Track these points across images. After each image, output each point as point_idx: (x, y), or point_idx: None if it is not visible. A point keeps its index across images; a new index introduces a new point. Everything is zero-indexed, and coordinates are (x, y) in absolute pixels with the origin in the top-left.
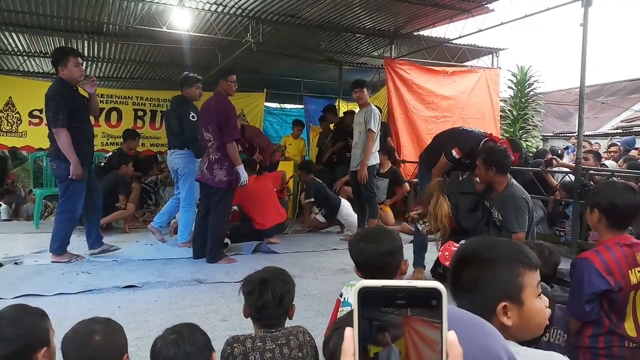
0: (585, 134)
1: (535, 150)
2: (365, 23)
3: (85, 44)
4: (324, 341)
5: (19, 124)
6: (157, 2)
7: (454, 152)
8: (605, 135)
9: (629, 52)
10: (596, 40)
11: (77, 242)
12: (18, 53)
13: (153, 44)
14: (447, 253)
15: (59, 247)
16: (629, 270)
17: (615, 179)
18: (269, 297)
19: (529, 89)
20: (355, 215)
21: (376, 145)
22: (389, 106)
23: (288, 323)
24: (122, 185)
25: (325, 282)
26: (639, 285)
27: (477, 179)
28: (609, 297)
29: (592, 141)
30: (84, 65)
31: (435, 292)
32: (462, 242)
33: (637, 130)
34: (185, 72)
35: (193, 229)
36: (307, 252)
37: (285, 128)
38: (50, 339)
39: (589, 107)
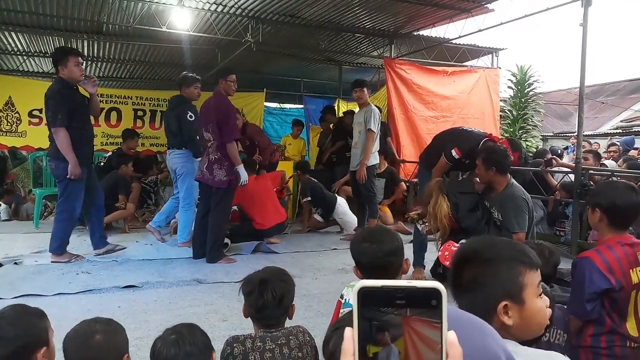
0: (585, 133)
1: (535, 150)
2: (365, 23)
3: (85, 44)
4: (323, 341)
5: (19, 124)
6: (156, 2)
7: (453, 152)
8: (605, 135)
9: (628, 52)
10: (596, 40)
11: (77, 242)
12: (18, 53)
13: (153, 44)
14: (447, 253)
15: (59, 247)
16: (630, 270)
17: (614, 178)
18: (269, 297)
19: (528, 89)
20: (352, 215)
21: (376, 145)
22: (389, 106)
23: (288, 323)
24: (121, 185)
25: (325, 282)
26: None
27: (477, 178)
28: (610, 296)
29: (592, 141)
30: (84, 65)
31: (435, 292)
32: (462, 242)
33: (636, 130)
34: (184, 72)
35: (193, 229)
36: (306, 252)
37: (285, 128)
38: (50, 339)
39: (588, 107)
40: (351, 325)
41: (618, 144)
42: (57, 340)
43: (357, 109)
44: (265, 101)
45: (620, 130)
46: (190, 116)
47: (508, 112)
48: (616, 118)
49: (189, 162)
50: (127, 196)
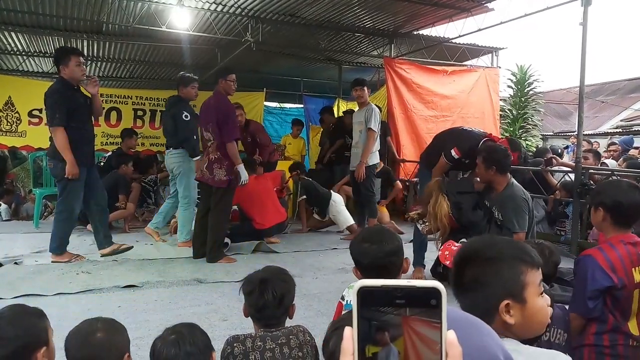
0: (584, 133)
1: (535, 149)
2: (365, 22)
3: (85, 44)
4: (323, 341)
5: (19, 124)
6: (156, 2)
7: (453, 152)
8: (605, 134)
9: (628, 51)
10: (596, 40)
11: (77, 242)
12: (17, 52)
13: (152, 44)
14: (447, 252)
15: (58, 247)
16: (633, 269)
17: (614, 178)
18: (269, 297)
19: (528, 88)
20: (346, 213)
21: (376, 145)
22: (389, 105)
23: (288, 322)
24: (121, 184)
25: (325, 282)
26: None
27: (477, 178)
28: (612, 294)
29: (592, 140)
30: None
31: (435, 292)
32: (462, 241)
33: (636, 129)
34: (182, 72)
35: (193, 228)
36: (307, 251)
37: (285, 127)
38: (50, 339)
39: (588, 106)
40: (351, 325)
41: (618, 143)
42: (58, 340)
43: (356, 109)
44: (265, 101)
45: (620, 130)
46: (186, 116)
47: (508, 112)
48: (616, 117)
49: (186, 162)
50: (127, 196)
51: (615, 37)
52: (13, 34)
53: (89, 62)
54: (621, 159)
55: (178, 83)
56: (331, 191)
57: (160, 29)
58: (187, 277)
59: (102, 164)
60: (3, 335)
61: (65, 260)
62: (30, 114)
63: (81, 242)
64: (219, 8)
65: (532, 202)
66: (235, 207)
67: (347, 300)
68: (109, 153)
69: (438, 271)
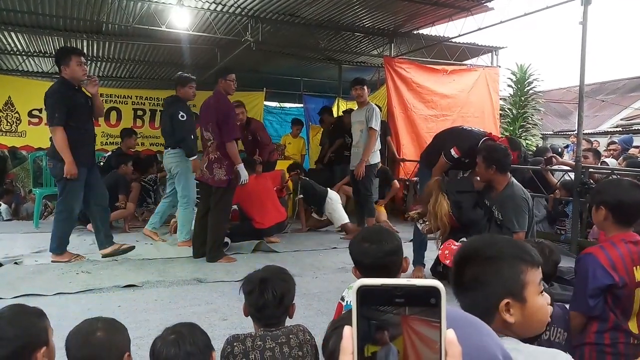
0: (584, 132)
1: (535, 148)
2: (365, 22)
3: (85, 43)
4: (323, 340)
5: (19, 124)
6: (156, 2)
7: (452, 152)
8: (605, 133)
9: (628, 50)
10: (596, 39)
11: (77, 242)
12: (17, 52)
13: (152, 43)
14: (447, 252)
15: (58, 247)
16: (634, 267)
17: (614, 177)
18: (269, 297)
19: (528, 88)
20: (341, 211)
21: (377, 144)
22: (389, 105)
23: (288, 322)
24: (121, 184)
25: (325, 281)
26: None
27: (477, 177)
28: (613, 292)
29: (592, 139)
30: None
31: (435, 291)
32: (462, 240)
33: (636, 128)
34: (179, 72)
35: (193, 228)
36: (307, 251)
37: (284, 127)
38: (50, 338)
39: (588, 105)
40: (350, 324)
41: (617, 142)
42: (58, 340)
43: (356, 108)
44: (265, 100)
45: (620, 129)
46: (182, 116)
47: (508, 111)
48: (616, 116)
49: (184, 161)
50: (126, 196)
51: (615, 36)
52: (13, 34)
53: (89, 62)
54: (621, 158)
55: (176, 83)
56: (327, 189)
57: (160, 28)
58: (187, 277)
59: (101, 163)
60: (3, 335)
61: (65, 260)
62: (30, 114)
63: (81, 242)
64: (219, 8)
65: (532, 202)
66: (235, 206)
67: (347, 301)
68: (109, 153)
69: (438, 270)
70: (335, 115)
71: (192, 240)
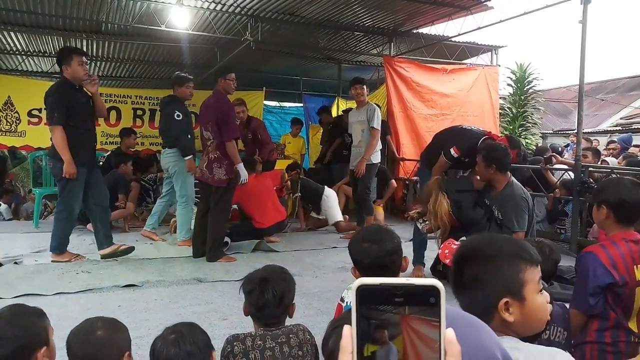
0: (584, 131)
1: (534, 147)
2: (364, 21)
3: (84, 43)
4: (323, 340)
5: (18, 124)
6: (155, 1)
7: (452, 151)
8: (605, 132)
9: (628, 49)
10: (595, 37)
11: (77, 242)
12: (16, 52)
13: (152, 43)
14: (447, 251)
15: (58, 246)
16: (634, 266)
17: (614, 175)
18: (269, 296)
19: (528, 87)
20: (336, 209)
21: (378, 144)
22: (388, 104)
23: (288, 321)
24: (121, 184)
25: (325, 281)
26: None
27: (477, 176)
28: (613, 291)
29: (592, 138)
30: None
31: (434, 290)
32: (462, 239)
33: (636, 127)
34: (177, 72)
35: (193, 227)
36: (306, 250)
37: (284, 126)
38: (50, 338)
39: (588, 104)
40: (350, 324)
41: (616, 141)
42: (57, 340)
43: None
44: (264, 100)
45: (620, 128)
46: (178, 115)
47: (507, 110)
48: (616, 115)
49: (180, 161)
50: (126, 195)
51: (615, 34)
52: (12, 34)
53: (89, 61)
54: (620, 157)
55: (173, 83)
56: (324, 187)
57: (159, 28)
58: (187, 277)
59: (101, 163)
60: (2, 335)
61: (65, 259)
62: (29, 114)
63: (81, 241)
64: (218, 7)
65: (532, 202)
66: (235, 206)
67: (346, 302)
68: (108, 153)
69: (438, 269)
70: (335, 114)
71: (192, 240)
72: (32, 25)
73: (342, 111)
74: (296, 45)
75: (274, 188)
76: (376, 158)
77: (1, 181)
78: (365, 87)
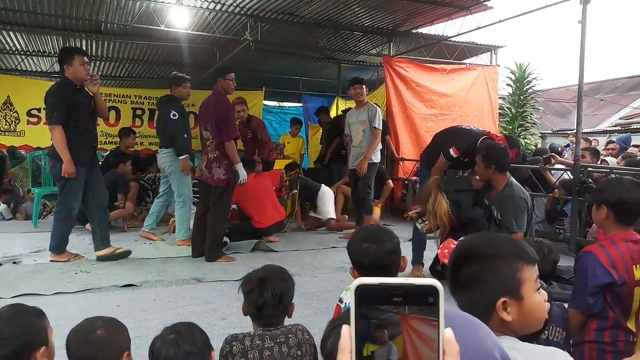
0: (583, 131)
1: (534, 147)
2: (364, 21)
3: (84, 43)
4: (321, 340)
5: (17, 123)
6: (155, 1)
7: (451, 151)
8: (604, 132)
9: (627, 49)
10: (595, 38)
11: (76, 242)
12: (16, 52)
13: (151, 43)
14: (446, 251)
15: (57, 246)
16: (634, 266)
17: (613, 175)
18: (268, 296)
19: (527, 87)
20: (330, 206)
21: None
22: (388, 104)
23: (287, 321)
24: (120, 184)
25: (324, 280)
26: None
27: (477, 176)
28: (612, 290)
29: (591, 138)
30: None
31: (433, 290)
32: (462, 239)
33: (635, 127)
34: (174, 72)
35: (192, 227)
36: (305, 250)
37: (284, 126)
38: (49, 338)
39: (587, 104)
40: (349, 324)
41: (615, 141)
42: (57, 339)
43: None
44: (264, 100)
45: (619, 128)
46: (174, 115)
47: (507, 110)
48: (615, 115)
49: (176, 161)
50: (125, 195)
51: (614, 35)
52: (12, 33)
53: (88, 61)
54: (620, 157)
55: (170, 83)
56: (322, 184)
57: (159, 28)
58: (186, 276)
59: (100, 163)
60: (2, 335)
61: (64, 259)
62: (28, 114)
63: (80, 241)
64: (218, 7)
65: (531, 202)
66: (234, 206)
67: (345, 303)
68: (107, 152)
69: (437, 269)
70: (334, 114)
71: (191, 240)
72: (31, 25)
73: (342, 111)
74: (296, 45)
75: (273, 188)
76: (377, 158)
77: (0, 181)
78: (364, 87)
